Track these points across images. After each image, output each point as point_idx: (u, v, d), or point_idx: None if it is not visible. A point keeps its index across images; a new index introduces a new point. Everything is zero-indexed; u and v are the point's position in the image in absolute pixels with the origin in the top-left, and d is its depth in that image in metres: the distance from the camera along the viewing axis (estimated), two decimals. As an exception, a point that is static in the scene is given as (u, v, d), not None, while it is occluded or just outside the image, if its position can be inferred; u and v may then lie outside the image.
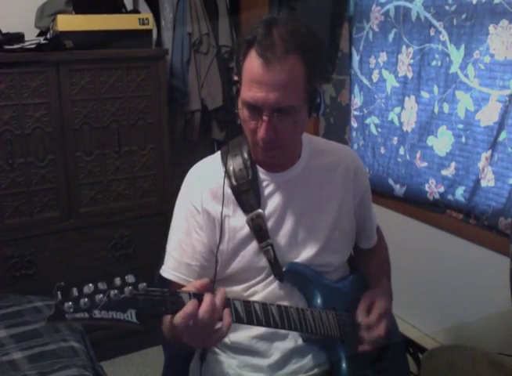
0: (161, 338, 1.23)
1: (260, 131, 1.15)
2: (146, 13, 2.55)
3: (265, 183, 1.28)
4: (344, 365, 1.28)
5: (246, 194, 1.25)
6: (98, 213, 2.42)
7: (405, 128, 2.19)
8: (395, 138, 2.26)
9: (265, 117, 1.13)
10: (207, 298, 1.05)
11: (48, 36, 2.37)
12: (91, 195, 2.39)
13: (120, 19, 2.37)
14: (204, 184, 1.28)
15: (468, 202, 1.98)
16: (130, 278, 0.97)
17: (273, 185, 1.28)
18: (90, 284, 0.94)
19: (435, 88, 2.04)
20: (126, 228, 2.48)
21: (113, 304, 0.94)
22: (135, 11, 2.59)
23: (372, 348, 1.29)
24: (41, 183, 2.28)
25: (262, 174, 1.28)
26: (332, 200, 1.33)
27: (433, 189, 2.12)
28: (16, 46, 2.19)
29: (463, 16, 1.89)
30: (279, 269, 1.26)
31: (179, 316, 1.02)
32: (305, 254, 1.30)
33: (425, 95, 2.09)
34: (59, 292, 0.92)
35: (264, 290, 1.28)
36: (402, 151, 2.23)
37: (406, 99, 2.17)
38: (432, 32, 2.02)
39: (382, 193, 2.32)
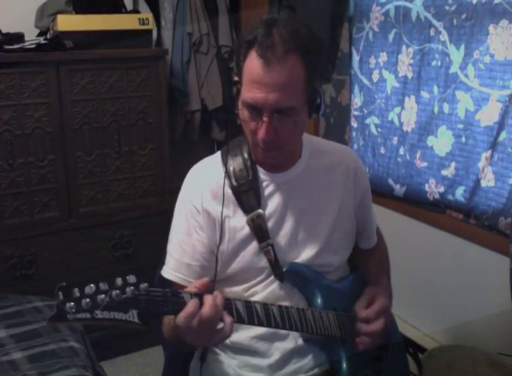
0: (162, 338, 1.23)
1: (260, 132, 1.15)
2: (146, 13, 2.55)
3: (265, 183, 1.28)
4: (344, 365, 1.28)
5: (247, 194, 1.25)
6: (98, 213, 2.42)
7: (405, 128, 2.19)
8: (395, 138, 2.26)
9: (265, 118, 1.13)
10: (208, 297, 1.06)
11: (48, 36, 2.37)
12: (91, 195, 2.39)
13: (120, 19, 2.37)
14: (204, 184, 1.28)
15: (468, 202, 1.98)
16: (131, 278, 0.97)
17: (273, 185, 1.28)
18: (91, 285, 0.94)
19: (435, 88, 2.04)
20: (126, 228, 2.48)
21: (114, 304, 0.94)
22: (135, 11, 2.59)
23: (369, 342, 1.29)
24: (41, 183, 2.28)
25: (262, 174, 1.28)
26: (332, 200, 1.33)
27: (433, 189, 2.12)
28: (16, 46, 2.19)
29: (463, 16, 1.89)
30: (279, 270, 1.26)
31: (182, 316, 1.02)
32: (305, 254, 1.29)
33: (425, 95, 2.09)
34: (60, 292, 0.92)
35: (264, 290, 1.28)
36: (401, 151, 2.23)
37: (406, 99, 2.17)
38: (432, 32, 2.02)
39: (382, 193, 2.32)
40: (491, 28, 1.81)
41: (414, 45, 2.10)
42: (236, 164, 1.28)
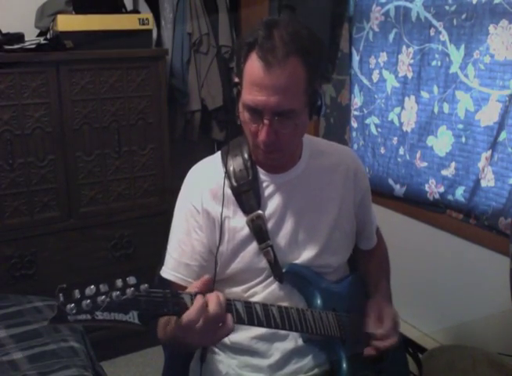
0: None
1: (261, 135, 1.14)
2: (146, 13, 2.55)
3: (265, 184, 1.28)
4: (344, 365, 1.28)
5: (247, 195, 1.25)
6: (98, 213, 2.42)
7: (405, 128, 2.19)
8: (395, 138, 2.26)
9: (266, 121, 1.13)
10: (212, 295, 1.06)
11: (48, 36, 2.37)
12: (91, 195, 2.39)
13: (120, 19, 2.37)
14: (204, 184, 1.28)
15: (468, 202, 1.98)
16: (131, 280, 0.97)
17: (273, 186, 1.28)
18: (92, 286, 0.94)
19: (435, 88, 2.04)
20: (126, 228, 2.48)
21: (115, 305, 0.95)
22: (135, 11, 2.59)
23: (381, 354, 1.30)
24: (41, 183, 2.28)
25: (262, 175, 1.28)
26: (332, 200, 1.33)
27: (433, 189, 2.12)
28: (16, 46, 2.19)
29: (463, 16, 1.89)
30: (278, 270, 1.26)
31: (189, 314, 1.02)
32: (305, 255, 1.30)
33: (425, 95, 2.09)
34: (61, 294, 0.92)
35: (264, 291, 1.28)
36: (401, 151, 2.23)
37: (406, 99, 2.17)
38: (432, 32, 2.02)
39: (382, 193, 2.32)
40: (491, 28, 1.81)
41: (414, 45, 2.10)
42: (236, 164, 1.28)
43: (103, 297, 0.93)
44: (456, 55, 1.94)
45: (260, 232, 1.24)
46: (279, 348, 1.28)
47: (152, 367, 2.46)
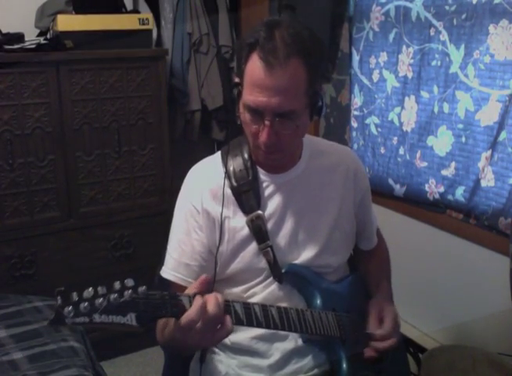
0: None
1: (262, 136, 1.14)
2: (146, 13, 2.55)
3: (265, 184, 1.28)
4: (344, 365, 1.28)
5: (247, 195, 1.25)
6: (98, 213, 2.42)
7: (405, 128, 2.19)
8: (395, 138, 2.26)
9: (266, 122, 1.13)
10: (210, 296, 1.06)
11: (48, 36, 2.37)
12: (91, 195, 2.39)
13: (120, 19, 2.37)
14: (204, 184, 1.28)
15: (468, 202, 1.98)
16: (129, 282, 0.97)
17: (273, 186, 1.28)
18: (90, 289, 0.94)
19: (435, 88, 2.04)
20: (126, 228, 2.48)
21: (113, 308, 0.95)
22: (135, 11, 2.59)
23: (382, 354, 1.30)
24: (41, 183, 2.28)
25: (262, 175, 1.28)
26: (332, 200, 1.33)
27: (433, 189, 2.11)
28: (16, 46, 2.19)
29: (463, 16, 1.89)
30: (278, 271, 1.26)
31: (188, 315, 1.02)
32: (305, 255, 1.30)
33: (425, 95, 2.09)
34: (59, 297, 0.92)
35: (263, 291, 1.28)
36: (401, 151, 2.23)
37: (406, 99, 2.17)
38: (432, 32, 2.01)
39: (382, 193, 2.32)
40: (491, 28, 1.81)
41: (414, 44, 2.10)
42: (236, 164, 1.28)
43: (101, 299, 0.93)
44: (456, 55, 1.94)
45: (259, 232, 1.24)
46: (279, 349, 1.28)
47: (152, 367, 2.46)
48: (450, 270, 2.09)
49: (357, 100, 2.43)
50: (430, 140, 2.10)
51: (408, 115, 2.17)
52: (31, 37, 2.35)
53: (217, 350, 1.34)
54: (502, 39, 1.78)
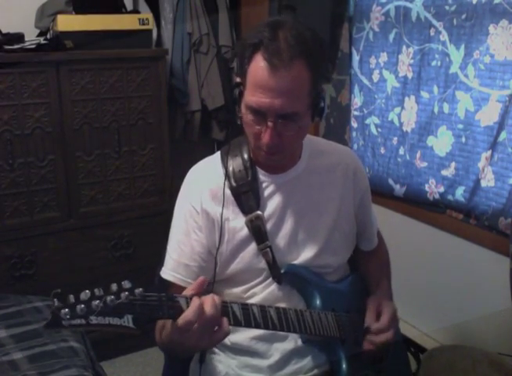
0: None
1: (264, 137, 1.14)
2: (146, 13, 2.55)
3: (264, 184, 1.28)
4: (344, 365, 1.28)
5: (246, 195, 1.25)
6: (98, 213, 2.42)
7: (405, 128, 2.19)
8: (395, 138, 2.26)
9: (269, 123, 1.12)
10: (207, 297, 1.06)
11: (48, 36, 2.37)
12: (91, 195, 2.39)
13: (120, 19, 2.37)
14: (204, 185, 1.28)
15: (468, 202, 1.98)
16: (126, 283, 0.97)
17: (273, 186, 1.28)
18: (87, 291, 0.94)
19: (435, 88, 2.04)
20: (126, 228, 2.48)
21: (109, 310, 0.95)
22: (135, 11, 2.59)
23: (378, 349, 1.30)
24: (41, 183, 2.28)
25: (262, 175, 1.28)
26: (332, 200, 1.33)
27: (433, 189, 2.12)
28: (16, 46, 2.19)
29: (463, 16, 1.89)
30: (277, 271, 1.26)
31: (185, 316, 1.02)
32: (305, 255, 1.29)
33: (425, 95, 2.09)
34: (55, 299, 0.92)
35: (263, 291, 1.28)
36: (401, 151, 2.23)
37: (406, 99, 2.17)
38: (432, 32, 2.02)
39: (382, 193, 2.32)
40: (491, 28, 1.81)
41: (414, 45, 2.10)
42: (235, 164, 1.28)
43: (98, 301, 0.93)
44: (456, 55, 1.94)
45: (259, 232, 1.24)
46: (278, 349, 1.28)
47: (152, 367, 2.46)
48: (450, 270, 2.09)
49: (357, 100, 2.43)
50: (430, 140, 2.10)
51: (408, 115, 2.17)
52: (31, 37, 2.35)
53: (217, 350, 1.34)
54: (502, 39, 1.78)
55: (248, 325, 1.14)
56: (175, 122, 2.77)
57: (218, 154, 1.34)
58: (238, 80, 1.18)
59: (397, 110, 2.23)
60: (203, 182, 1.28)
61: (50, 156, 2.28)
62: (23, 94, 2.18)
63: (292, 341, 1.29)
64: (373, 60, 2.31)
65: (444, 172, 2.06)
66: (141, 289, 0.98)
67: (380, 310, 1.33)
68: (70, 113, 2.28)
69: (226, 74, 2.81)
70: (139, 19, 2.39)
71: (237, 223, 1.26)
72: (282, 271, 1.27)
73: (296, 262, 1.29)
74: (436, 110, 2.05)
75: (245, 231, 1.25)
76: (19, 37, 2.24)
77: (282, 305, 1.24)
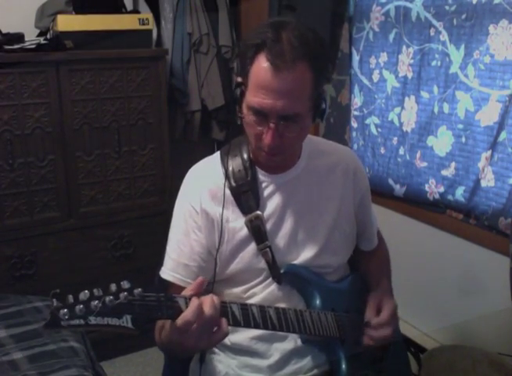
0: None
1: (266, 138, 1.14)
2: (146, 13, 2.55)
3: (264, 184, 1.28)
4: (343, 366, 1.28)
5: (245, 195, 1.25)
6: (98, 213, 2.42)
7: (405, 128, 2.19)
8: (395, 138, 2.26)
9: (271, 125, 1.12)
10: (206, 297, 1.06)
11: (48, 36, 2.37)
12: (91, 195, 2.39)
13: (120, 19, 2.37)
14: (203, 185, 1.28)
15: (468, 202, 1.98)
16: (125, 284, 0.97)
17: (273, 186, 1.28)
18: (86, 291, 0.94)
19: (435, 88, 2.04)
20: (126, 228, 2.48)
21: (108, 310, 0.95)
22: (135, 11, 2.59)
23: (377, 345, 1.30)
24: (41, 183, 2.28)
25: (261, 175, 1.28)
26: (331, 200, 1.33)
27: (433, 189, 2.12)
28: (16, 46, 2.19)
29: (463, 16, 1.89)
30: (277, 271, 1.26)
31: (185, 316, 1.02)
32: (304, 255, 1.29)
33: (425, 95, 2.09)
34: (54, 299, 0.92)
35: (263, 291, 1.28)
36: (401, 151, 2.23)
37: (406, 99, 2.17)
38: (432, 32, 2.01)
39: (382, 193, 2.32)
40: (491, 28, 1.81)
41: (414, 45, 2.10)
42: (235, 164, 1.28)
43: (96, 302, 0.93)
44: (456, 55, 1.94)
45: (258, 232, 1.24)
46: (278, 349, 1.28)
47: (152, 367, 2.46)
48: (450, 270, 2.09)
49: (357, 100, 2.43)
50: (430, 140, 2.10)
51: (408, 115, 2.17)
52: (31, 37, 2.35)
53: (216, 350, 1.34)
54: (502, 39, 1.78)
55: (247, 325, 1.14)
56: (175, 122, 2.77)
57: (217, 154, 1.34)
58: (239, 80, 1.17)
59: (397, 110, 2.23)
60: (203, 182, 1.28)
61: (50, 156, 2.28)
62: (23, 94, 2.18)
63: (292, 341, 1.29)
64: (373, 60, 2.31)
65: (444, 172, 2.06)
66: (140, 289, 0.98)
67: (381, 306, 1.34)
68: (70, 113, 2.28)
69: (226, 74, 2.81)
70: (139, 19, 2.39)
71: (237, 223, 1.25)
72: (281, 271, 1.27)
73: (296, 262, 1.29)
74: (436, 110, 2.05)
75: (245, 231, 1.25)
76: (19, 37, 2.24)
77: (282, 305, 1.24)
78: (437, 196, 2.10)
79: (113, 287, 0.96)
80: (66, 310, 0.91)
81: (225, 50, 2.77)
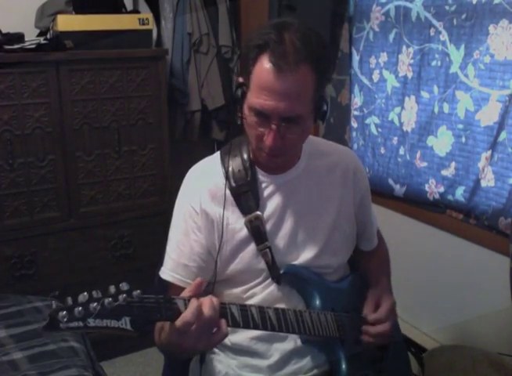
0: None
1: (267, 139, 1.14)
2: (146, 13, 2.55)
3: (264, 185, 1.28)
4: (343, 365, 1.28)
5: (245, 196, 1.25)
6: (98, 213, 2.42)
7: (405, 128, 2.19)
8: (395, 138, 2.26)
9: (273, 126, 1.12)
10: (206, 299, 1.06)
11: (48, 36, 2.37)
12: (91, 195, 2.39)
13: (120, 19, 2.37)
14: (203, 185, 1.27)
15: (468, 202, 1.98)
16: (124, 286, 0.97)
17: (272, 186, 1.28)
18: (85, 293, 0.94)
19: (435, 88, 2.04)
20: (126, 228, 2.48)
21: (107, 312, 0.95)
22: (135, 11, 2.59)
23: (376, 342, 1.30)
24: (41, 183, 2.28)
25: (261, 175, 1.28)
26: (331, 200, 1.33)
27: (433, 189, 2.11)
28: (16, 46, 2.19)
29: (463, 16, 1.89)
30: (276, 272, 1.26)
31: (184, 317, 1.02)
32: (304, 256, 1.29)
33: (425, 95, 2.09)
34: (53, 301, 0.92)
35: (262, 292, 1.28)
36: (402, 151, 2.23)
37: (406, 99, 2.17)
38: (432, 32, 2.01)
39: (382, 193, 2.32)
40: (491, 28, 1.80)
41: (414, 45, 2.10)
42: (234, 164, 1.28)
43: (95, 304, 0.93)
44: (456, 55, 1.94)
45: (258, 233, 1.24)
46: (278, 349, 1.28)
47: (152, 367, 2.46)
48: (450, 270, 2.09)
49: (357, 100, 2.43)
50: (430, 140, 2.10)
51: (408, 115, 2.17)
52: (31, 37, 2.35)
53: (217, 350, 1.34)
54: (502, 39, 1.78)
55: (247, 326, 1.14)
56: (175, 122, 2.77)
57: (217, 154, 1.34)
58: (241, 80, 1.17)
59: (397, 109, 2.23)
60: (203, 182, 1.28)
61: (50, 156, 2.28)
62: (23, 94, 2.18)
63: (292, 342, 1.29)
64: (373, 60, 2.31)
65: (444, 172, 2.06)
66: (139, 291, 0.98)
67: (379, 302, 1.34)
68: (70, 113, 2.28)
69: (226, 74, 2.81)
70: (139, 19, 2.39)
71: (236, 224, 1.25)
72: (281, 271, 1.27)
73: (296, 262, 1.29)
74: (436, 110, 2.05)
75: (244, 231, 1.25)
76: (19, 37, 2.24)
77: (281, 305, 1.24)
78: (437, 196, 2.10)
79: (112, 289, 0.96)
80: (65, 312, 0.91)
81: (225, 50, 2.77)
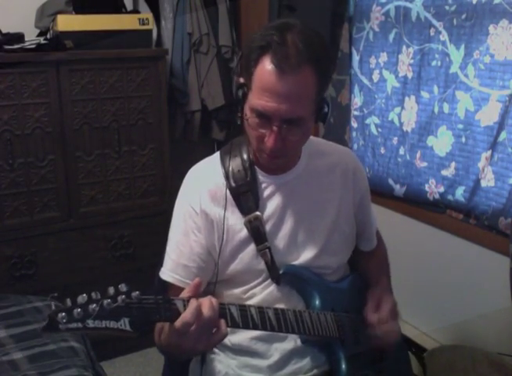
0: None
1: (268, 141, 1.14)
2: (146, 13, 2.55)
3: (264, 185, 1.28)
4: (343, 365, 1.28)
5: (245, 196, 1.25)
6: (98, 213, 2.42)
7: (405, 128, 2.19)
8: (395, 138, 2.26)
9: (274, 128, 1.12)
10: (205, 299, 1.06)
11: (48, 36, 2.37)
12: (91, 195, 2.39)
13: (120, 19, 2.37)
14: (203, 185, 1.27)
15: (468, 202, 1.98)
16: (123, 287, 0.97)
17: (272, 187, 1.28)
18: (84, 294, 0.94)
19: (435, 88, 2.04)
20: (126, 228, 2.48)
21: (106, 313, 0.95)
22: (135, 11, 2.59)
23: (385, 342, 1.30)
24: (41, 183, 2.28)
25: (261, 176, 1.28)
26: (331, 201, 1.33)
27: (433, 189, 2.11)
28: (16, 46, 2.19)
29: (463, 16, 1.89)
30: (276, 272, 1.26)
31: (184, 317, 1.02)
32: (304, 256, 1.29)
33: (425, 95, 2.09)
34: (52, 303, 0.92)
35: (262, 292, 1.28)
36: (402, 151, 2.23)
37: (406, 99, 2.17)
38: (432, 32, 2.01)
39: (382, 193, 2.32)
40: (491, 28, 1.80)
41: (414, 45, 2.10)
42: (234, 165, 1.28)
43: (94, 305, 0.93)
44: (456, 55, 1.94)
45: (258, 233, 1.24)
46: (278, 349, 1.28)
47: (152, 367, 2.46)
48: (450, 270, 2.09)
49: (357, 100, 2.43)
50: (430, 140, 2.10)
51: (408, 115, 2.17)
52: (31, 37, 2.35)
53: (216, 350, 1.34)
54: (502, 39, 1.78)
55: (246, 327, 1.14)
56: (175, 122, 2.77)
57: (217, 154, 1.34)
58: (242, 80, 1.17)
59: (397, 110, 2.23)
60: (203, 182, 1.28)
61: (50, 156, 2.28)
62: (23, 94, 2.18)
63: (292, 342, 1.29)
64: (373, 60, 2.31)
65: (444, 172, 2.06)
66: (138, 292, 0.98)
67: (380, 303, 1.34)
68: (70, 113, 2.28)
69: (226, 74, 2.81)
70: (139, 19, 2.39)
71: (236, 224, 1.25)
72: (280, 272, 1.27)
73: (295, 262, 1.29)
74: (436, 110, 2.05)
75: (244, 232, 1.25)
76: (19, 37, 2.24)
77: (281, 305, 1.24)
78: (437, 196, 2.10)
79: (111, 290, 0.96)
80: (64, 314, 0.91)
81: (225, 50, 2.77)
